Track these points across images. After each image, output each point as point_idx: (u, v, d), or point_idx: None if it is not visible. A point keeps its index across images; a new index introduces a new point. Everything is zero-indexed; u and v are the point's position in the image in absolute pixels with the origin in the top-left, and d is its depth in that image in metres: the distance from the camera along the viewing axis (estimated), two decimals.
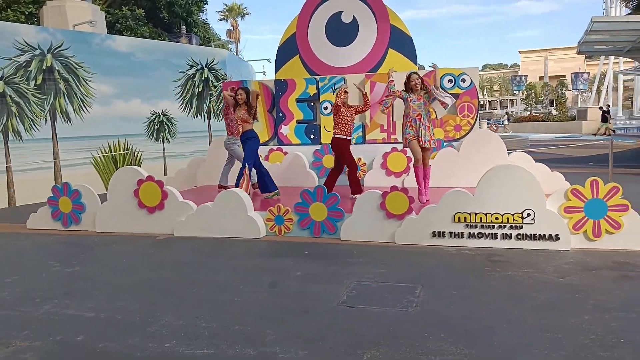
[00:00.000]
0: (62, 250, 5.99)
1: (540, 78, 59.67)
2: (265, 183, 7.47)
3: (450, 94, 8.42)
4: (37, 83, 10.21)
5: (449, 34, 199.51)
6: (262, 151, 8.91)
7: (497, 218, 5.32)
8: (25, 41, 10.03)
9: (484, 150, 7.73)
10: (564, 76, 52.22)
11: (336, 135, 7.01)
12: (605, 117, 27.98)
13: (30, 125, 10.15)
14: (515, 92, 55.18)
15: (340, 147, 7.00)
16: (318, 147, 8.91)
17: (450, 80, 8.42)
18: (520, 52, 76.00)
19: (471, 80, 8.39)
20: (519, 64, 77.37)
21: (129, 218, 6.74)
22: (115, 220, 6.83)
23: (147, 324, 3.63)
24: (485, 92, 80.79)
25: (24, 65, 10.02)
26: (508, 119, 40.69)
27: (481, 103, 76.25)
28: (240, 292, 4.28)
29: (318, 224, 6.08)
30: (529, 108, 46.76)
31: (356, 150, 7.68)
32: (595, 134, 27.72)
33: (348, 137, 7.04)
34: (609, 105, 33.49)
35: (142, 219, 6.68)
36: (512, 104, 67.97)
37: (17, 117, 9.93)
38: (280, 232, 6.23)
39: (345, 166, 7.10)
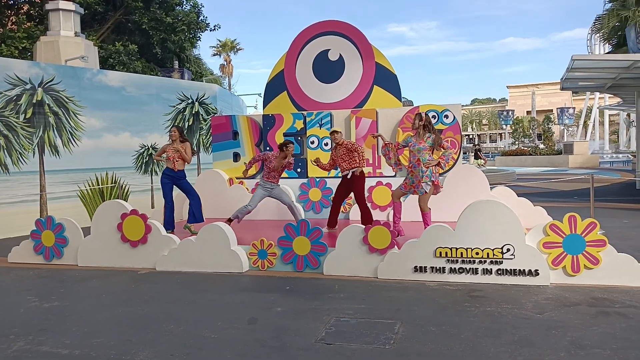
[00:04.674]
0: (42, 285, 5.92)
1: (528, 112, 60.77)
2: (192, 214, 7.76)
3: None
4: (26, 117, 10.27)
5: (438, 70, 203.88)
6: (249, 184, 9.01)
7: (477, 253, 5.36)
8: (16, 75, 10.14)
9: (467, 185, 7.84)
10: (551, 110, 53.23)
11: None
12: (477, 154, 28.89)
13: (18, 158, 10.15)
14: (502, 126, 56.14)
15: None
16: (304, 180, 8.98)
17: (433, 117, 8.56)
18: (508, 87, 77.63)
19: (454, 117, 8.55)
20: (507, 98, 78.91)
21: (112, 252, 6.69)
22: (98, 254, 6.77)
23: None
24: (474, 126, 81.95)
25: (14, 99, 10.10)
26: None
27: (470, 136, 77.32)
28: (218, 328, 4.24)
29: (301, 258, 6.07)
30: (517, 142, 47.52)
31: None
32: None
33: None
34: (478, 144, 38.68)
35: (125, 253, 6.64)
36: (501, 137, 68.98)
37: (5, 150, 9.94)
38: (263, 266, 6.21)
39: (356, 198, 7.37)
